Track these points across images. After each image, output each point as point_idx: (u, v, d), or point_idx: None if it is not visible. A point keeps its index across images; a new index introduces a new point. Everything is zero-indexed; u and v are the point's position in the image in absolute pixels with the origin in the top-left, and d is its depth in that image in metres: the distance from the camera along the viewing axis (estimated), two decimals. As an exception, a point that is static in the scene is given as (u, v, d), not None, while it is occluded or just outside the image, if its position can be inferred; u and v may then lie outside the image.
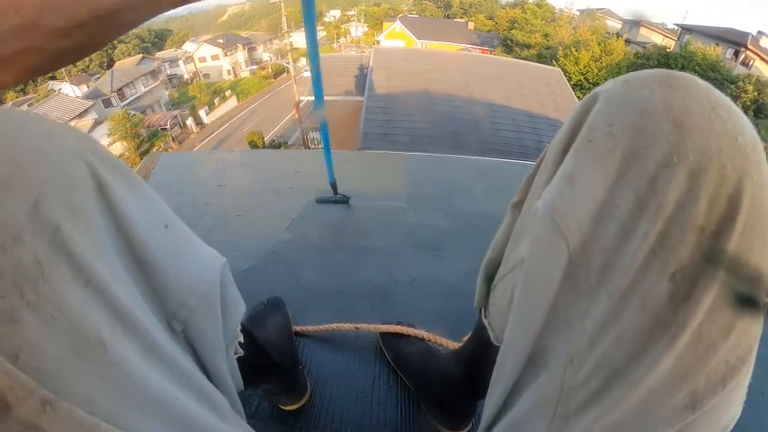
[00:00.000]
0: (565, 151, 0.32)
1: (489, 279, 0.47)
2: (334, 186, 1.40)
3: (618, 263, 0.27)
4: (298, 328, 0.87)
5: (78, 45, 0.30)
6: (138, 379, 0.25)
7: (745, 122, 0.26)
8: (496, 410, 0.39)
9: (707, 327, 0.25)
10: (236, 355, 0.44)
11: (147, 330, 0.27)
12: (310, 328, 0.87)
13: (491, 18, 24.71)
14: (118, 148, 15.79)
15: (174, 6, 0.35)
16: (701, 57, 15.00)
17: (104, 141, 15.36)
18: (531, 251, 0.33)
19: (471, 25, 24.27)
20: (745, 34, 17.65)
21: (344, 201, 1.44)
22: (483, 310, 0.49)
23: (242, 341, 0.45)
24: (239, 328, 0.46)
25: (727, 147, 0.24)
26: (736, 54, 17.41)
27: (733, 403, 0.28)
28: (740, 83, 13.63)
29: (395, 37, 21.10)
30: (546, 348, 0.32)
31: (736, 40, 17.44)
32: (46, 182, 0.22)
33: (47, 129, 0.24)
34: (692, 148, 0.25)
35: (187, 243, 0.35)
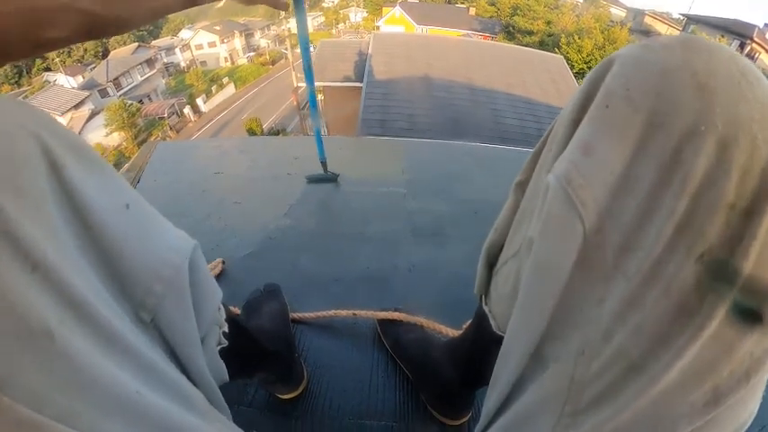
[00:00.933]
0: (577, 120, 0.29)
1: (491, 264, 0.44)
2: (324, 164, 1.41)
3: (638, 244, 0.25)
4: (295, 315, 0.85)
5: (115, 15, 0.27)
6: (93, 372, 0.23)
7: None
8: (499, 404, 0.36)
9: (736, 319, 0.23)
10: (220, 346, 0.42)
11: (105, 320, 0.25)
12: (308, 314, 0.86)
13: (493, 4, 24.36)
14: (115, 138, 15.71)
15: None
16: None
17: (102, 132, 15.28)
18: (542, 229, 0.30)
19: (473, 11, 23.95)
20: (752, 26, 17.44)
21: (333, 179, 1.45)
22: (483, 296, 0.47)
23: (226, 331, 0.43)
24: (224, 316, 0.44)
25: (759, 115, 0.22)
26: (742, 46, 17.21)
27: (754, 397, 0.26)
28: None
29: (395, 22, 20.84)
30: (555, 338, 0.30)
31: (741, 32, 17.23)
32: None
33: None
34: (721, 115, 0.22)
35: (151, 224, 0.32)
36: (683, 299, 0.24)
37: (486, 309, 0.46)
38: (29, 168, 0.22)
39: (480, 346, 0.52)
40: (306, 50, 1.14)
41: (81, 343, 0.23)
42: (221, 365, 0.42)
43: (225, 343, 0.43)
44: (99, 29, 0.27)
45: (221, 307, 0.45)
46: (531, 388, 0.32)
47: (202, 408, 0.33)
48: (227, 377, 0.43)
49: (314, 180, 1.45)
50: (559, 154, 0.30)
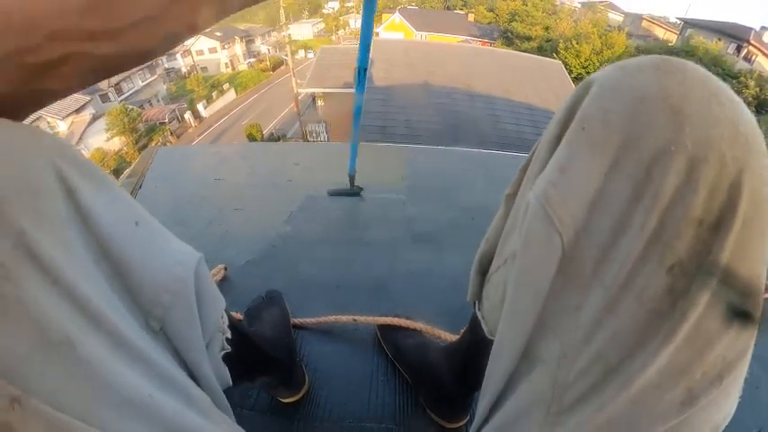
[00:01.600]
0: (558, 139, 0.31)
1: (483, 272, 0.46)
2: (351, 178, 1.39)
3: (613, 256, 0.26)
4: (296, 321, 0.87)
5: (127, 51, 0.26)
6: (109, 377, 0.25)
7: (745, 110, 0.25)
8: (490, 405, 0.38)
9: (705, 322, 0.25)
10: (223, 351, 0.44)
11: (118, 329, 0.27)
12: (309, 320, 0.87)
13: (491, 10, 24.51)
14: (116, 143, 15.73)
15: (242, 8, 0.29)
16: (703, 51, 14.95)
17: (102, 136, 15.30)
18: (523, 244, 0.32)
19: (471, 17, 24.07)
20: (748, 29, 17.54)
21: (356, 193, 1.42)
22: (477, 303, 0.49)
23: (229, 337, 0.45)
24: (226, 323, 0.46)
25: (728, 135, 0.23)
26: (739, 49, 17.30)
27: (728, 399, 0.27)
28: (742, 78, 13.60)
29: (394, 29, 20.94)
30: (539, 343, 0.32)
31: (738, 35, 17.33)
32: (9, 188, 0.22)
33: (12, 135, 0.24)
34: (691, 135, 0.23)
35: (159, 240, 0.35)
36: (655, 306, 0.25)
37: (479, 315, 0.47)
38: (47, 194, 0.25)
39: (475, 350, 0.53)
40: (365, 50, 0.96)
41: (98, 350, 0.25)
42: (225, 370, 0.44)
43: (228, 349, 0.44)
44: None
45: (224, 314, 0.47)
46: (519, 389, 0.34)
47: (208, 410, 0.35)
48: (230, 381, 0.44)
49: (336, 194, 1.42)
50: (541, 171, 0.31)
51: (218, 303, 0.43)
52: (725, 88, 0.25)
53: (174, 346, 0.34)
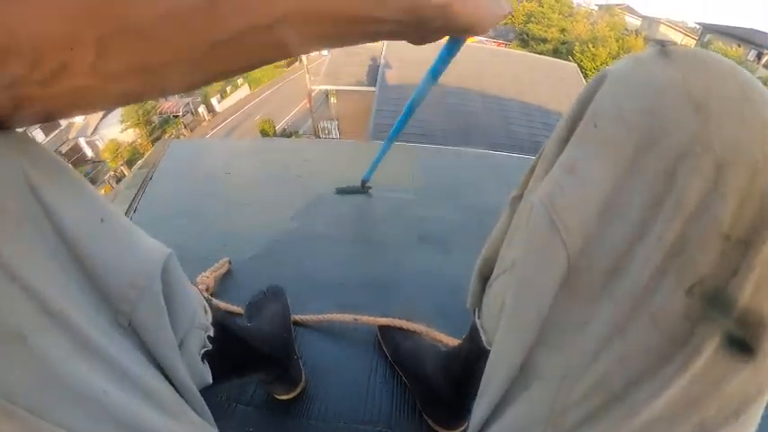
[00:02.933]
0: (566, 139, 0.28)
1: (484, 279, 0.44)
2: (363, 183, 1.37)
3: (626, 269, 0.24)
4: (297, 318, 0.86)
5: (140, 90, 0.24)
6: (62, 372, 0.25)
7: None
8: (485, 418, 0.36)
9: (725, 352, 0.22)
10: (204, 349, 0.43)
11: (78, 325, 0.27)
12: (309, 317, 0.86)
13: (507, 11, 24.26)
14: (130, 134, 15.93)
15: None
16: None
17: (117, 128, 15.49)
18: (524, 253, 0.30)
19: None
20: (769, 35, 17.19)
21: (364, 191, 1.41)
22: (477, 311, 0.47)
23: (212, 335, 0.45)
24: (210, 320, 0.45)
25: (760, 137, 0.20)
26: (759, 56, 16.96)
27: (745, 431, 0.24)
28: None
29: (409, 28, 20.83)
30: (539, 359, 0.29)
31: (758, 42, 16.98)
32: None
33: None
34: (719, 136, 0.20)
35: (125, 237, 0.34)
36: (671, 329, 0.23)
37: (478, 323, 0.45)
38: (10, 191, 0.24)
39: (474, 359, 0.51)
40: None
41: (53, 346, 0.25)
42: (203, 369, 0.43)
43: (209, 347, 0.44)
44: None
45: (208, 310, 0.47)
46: (514, 406, 0.32)
47: (174, 409, 0.35)
48: (209, 380, 0.44)
49: (342, 192, 1.41)
50: (547, 173, 0.29)
51: (191, 300, 0.43)
52: (756, 83, 0.22)
53: (144, 343, 0.34)
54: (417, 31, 0.28)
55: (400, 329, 0.81)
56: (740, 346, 0.22)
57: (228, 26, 0.21)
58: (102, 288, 0.30)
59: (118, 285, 0.31)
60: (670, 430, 0.24)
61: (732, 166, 0.20)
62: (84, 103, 0.24)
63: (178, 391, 0.37)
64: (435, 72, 0.68)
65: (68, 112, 0.25)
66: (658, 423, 0.24)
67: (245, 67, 0.25)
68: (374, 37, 0.27)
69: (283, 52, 0.25)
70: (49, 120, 0.25)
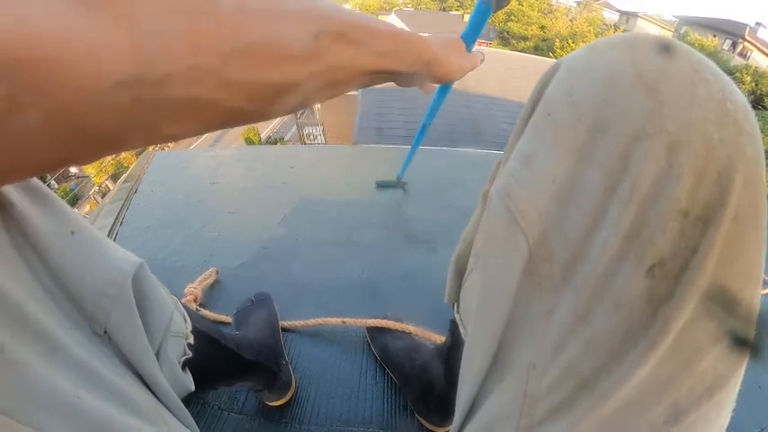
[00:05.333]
0: (522, 130, 0.28)
1: (460, 273, 0.44)
2: (398, 179, 1.50)
3: (585, 256, 0.23)
4: (285, 324, 0.86)
5: (264, 110, 0.25)
6: (37, 378, 0.26)
7: (734, 87, 0.21)
8: (465, 413, 0.36)
9: (692, 330, 0.22)
10: (184, 357, 0.44)
11: (52, 334, 0.28)
12: (297, 323, 0.87)
13: (487, 11, 24.47)
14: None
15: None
16: (699, 47, 14.98)
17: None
18: (486, 244, 0.30)
19: (467, 18, 24.11)
20: (743, 25, 17.60)
21: (402, 185, 1.53)
22: (455, 305, 0.47)
23: (191, 342, 0.46)
24: (189, 328, 0.46)
25: (714, 115, 0.20)
26: (734, 45, 17.37)
27: (721, 414, 0.24)
28: (738, 74, 13.64)
29: (391, 31, 20.89)
30: (510, 351, 0.29)
31: (733, 32, 17.40)
32: None
33: None
34: (671, 116, 0.20)
35: (96, 248, 0.35)
36: (633, 313, 0.22)
37: (457, 317, 0.46)
38: None
39: (456, 353, 0.52)
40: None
41: (28, 353, 0.26)
42: (184, 376, 0.44)
43: (189, 354, 0.45)
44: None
45: (187, 318, 0.47)
46: (490, 400, 0.32)
47: (151, 415, 0.35)
48: (191, 387, 0.44)
49: (382, 186, 1.53)
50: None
51: (166, 307, 0.43)
52: (708, 63, 0.22)
53: (120, 350, 0.35)
54: (408, 80, 0.40)
55: (388, 330, 0.82)
56: (743, 343, 0.22)
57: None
58: (75, 298, 0.32)
59: (90, 294, 0.32)
60: (644, 412, 0.24)
61: (686, 145, 0.20)
62: (201, 118, 0.22)
63: (158, 398, 0.37)
64: (434, 109, 0.92)
65: (188, 126, 0.22)
66: (631, 406, 0.23)
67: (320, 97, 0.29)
68: (375, 83, 0.35)
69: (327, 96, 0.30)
70: (168, 136, 0.22)
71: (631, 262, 0.22)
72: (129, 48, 0.17)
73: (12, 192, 0.27)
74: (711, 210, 0.20)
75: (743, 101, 0.21)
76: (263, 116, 0.26)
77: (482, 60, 0.57)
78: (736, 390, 0.24)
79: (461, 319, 0.45)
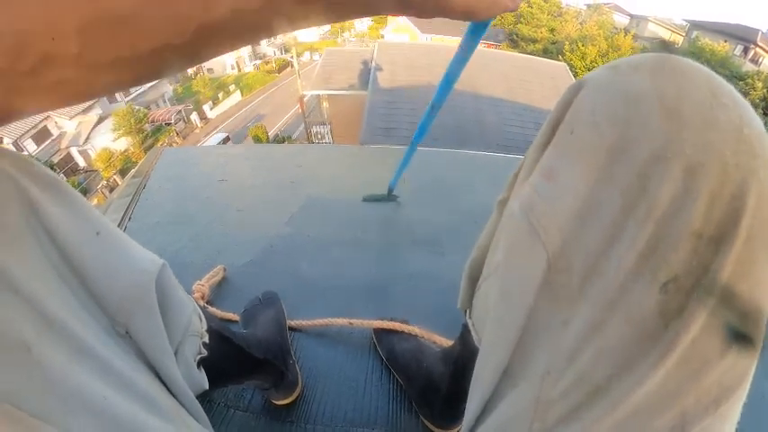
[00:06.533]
0: (546, 145, 0.29)
1: (473, 280, 0.45)
2: (390, 191, 1.37)
3: (602, 270, 0.24)
4: (292, 323, 0.87)
5: (129, 79, 0.23)
6: (64, 378, 0.26)
7: (752, 113, 0.22)
8: (475, 417, 0.37)
9: (701, 344, 0.23)
10: (200, 356, 0.44)
11: (77, 334, 0.28)
12: (304, 322, 0.87)
13: (497, 12, 24.39)
14: (123, 143, 15.84)
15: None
16: (710, 53, 14.86)
17: (109, 136, 15.40)
18: (506, 255, 0.31)
19: None
20: (755, 31, 17.41)
21: (391, 200, 1.41)
22: (468, 311, 0.48)
23: (206, 341, 0.46)
24: (204, 327, 0.47)
25: (731, 140, 0.21)
26: (746, 51, 17.20)
27: (725, 425, 0.25)
28: (749, 80, 13.51)
29: (399, 30, 20.94)
30: (524, 358, 0.30)
31: (745, 37, 17.22)
32: None
33: None
34: (690, 140, 0.21)
35: (120, 249, 0.35)
36: (646, 326, 0.23)
37: (469, 323, 0.46)
38: (11, 208, 0.26)
39: (466, 358, 0.52)
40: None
41: (54, 354, 0.26)
42: (199, 375, 0.44)
43: (204, 353, 0.45)
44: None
45: (202, 317, 0.48)
46: (502, 404, 0.33)
47: (171, 414, 0.36)
48: (206, 386, 0.45)
49: (370, 200, 1.41)
50: (528, 178, 0.30)
51: (185, 308, 0.44)
52: (728, 88, 0.23)
53: (141, 350, 0.35)
54: (410, 9, 0.26)
55: (395, 332, 0.82)
56: (740, 337, 0.22)
57: (216, 10, 0.21)
58: (99, 298, 0.32)
59: (114, 296, 0.32)
60: (652, 420, 0.24)
61: (703, 169, 0.21)
62: (75, 94, 0.23)
63: (175, 397, 0.38)
64: (459, 61, 0.67)
65: (60, 104, 0.23)
66: (640, 414, 0.24)
67: (233, 48, 0.25)
68: (370, 11, 0.26)
69: (273, 32, 0.24)
70: (42, 111, 0.24)
71: (646, 278, 0.23)
72: None
73: (35, 191, 0.27)
74: (724, 231, 0.21)
75: (759, 126, 0.22)
76: (155, 74, 0.24)
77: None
78: (742, 401, 0.25)
79: (474, 325, 0.45)
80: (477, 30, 0.58)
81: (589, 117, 0.25)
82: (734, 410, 0.25)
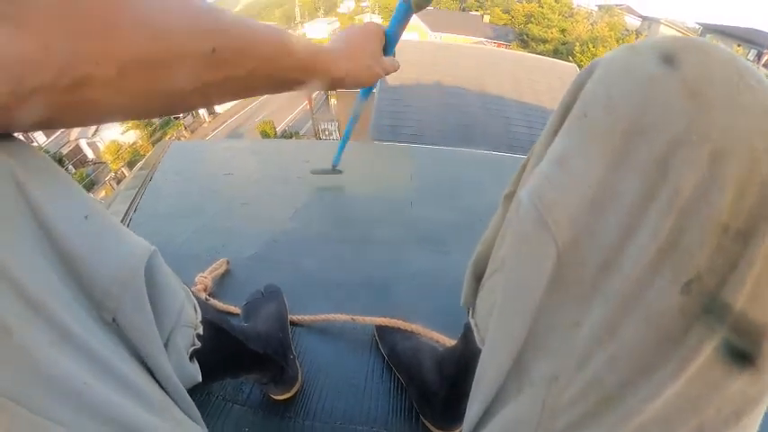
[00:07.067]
0: (557, 131, 0.27)
1: (477, 277, 0.43)
2: (334, 167, 1.43)
3: (618, 264, 0.22)
4: (294, 318, 0.86)
5: (164, 110, 0.30)
6: (44, 363, 0.26)
7: None
8: (477, 419, 0.35)
9: (724, 359, 0.21)
10: (193, 347, 0.43)
11: (61, 319, 0.27)
12: (307, 317, 0.86)
13: (507, 12, 24.32)
14: (131, 136, 15.95)
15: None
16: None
17: (118, 129, 15.51)
18: (513, 248, 0.29)
19: (487, 18, 23.94)
20: (769, 35, 17.19)
21: (338, 172, 1.46)
22: (471, 309, 0.46)
23: (200, 333, 0.45)
24: (199, 318, 0.45)
25: (759, 125, 0.19)
26: (759, 56, 16.97)
27: None
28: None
29: (409, 29, 20.88)
30: (529, 361, 0.28)
31: (759, 42, 17.00)
32: None
33: None
34: (715, 123, 0.19)
35: (110, 233, 0.34)
36: (665, 328, 0.21)
37: (472, 322, 0.45)
38: None
39: (468, 357, 0.51)
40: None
41: (36, 338, 0.26)
42: (192, 367, 0.43)
43: (198, 345, 0.44)
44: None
45: (197, 308, 0.46)
46: (506, 408, 0.31)
47: (158, 405, 0.35)
48: (199, 378, 0.44)
49: (318, 172, 1.47)
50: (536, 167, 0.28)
51: (177, 296, 0.43)
52: (754, 70, 0.21)
53: (128, 339, 0.34)
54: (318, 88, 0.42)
55: (397, 330, 0.81)
56: (739, 354, 0.21)
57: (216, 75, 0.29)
58: (85, 284, 0.31)
59: (101, 281, 0.31)
60: None
61: (730, 155, 0.19)
62: (98, 113, 0.26)
63: (164, 389, 0.37)
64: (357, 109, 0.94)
65: (91, 120, 0.27)
66: (655, 425, 0.23)
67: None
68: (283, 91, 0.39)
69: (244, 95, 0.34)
70: (56, 126, 0.27)
71: (666, 276, 0.21)
72: (42, 59, 0.21)
73: (26, 171, 0.27)
74: (753, 224, 0.19)
75: None
76: (165, 113, 0.30)
77: (397, 68, 0.58)
78: (761, 415, 0.23)
79: (476, 324, 0.44)
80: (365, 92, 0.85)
81: (604, 99, 0.23)
82: (755, 421, 0.23)
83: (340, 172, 1.46)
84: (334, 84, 0.44)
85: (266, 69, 0.33)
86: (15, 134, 0.27)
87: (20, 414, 0.24)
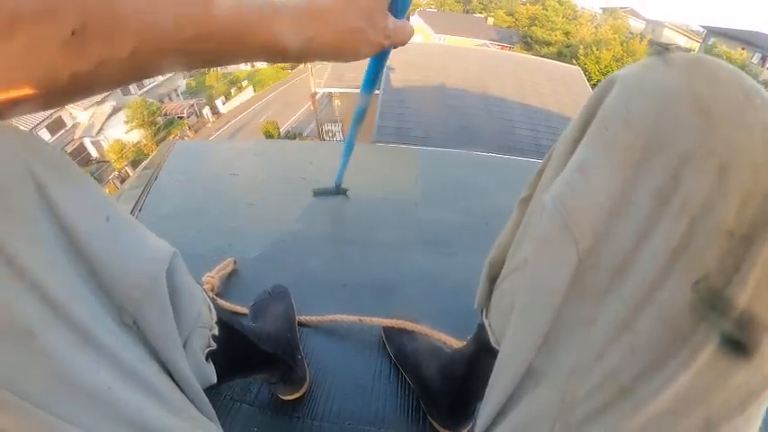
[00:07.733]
0: (577, 140, 0.29)
1: (493, 278, 0.44)
2: (337, 186, 1.35)
3: (633, 267, 0.25)
4: (301, 318, 0.87)
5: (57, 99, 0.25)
6: (67, 367, 0.26)
7: None
8: (492, 417, 0.36)
9: (723, 351, 0.23)
10: (209, 349, 0.44)
11: (83, 322, 0.27)
12: (314, 318, 0.87)
13: (511, 14, 24.34)
14: (135, 135, 16.00)
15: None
16: (727, 60, 14.67)
17: (122, 128, 15.57)
18: (536, 250, 0.31)
19: (491, 21, 23.98)
20: (773, 38, 17.14)
21: (343, 192, 1.38)
22: (484, 310, 0.47)
23: (216, 334, 0.45)
24: (214, 319, 0.46)
25: (761, 139, 0.21)
26: (764, 59, 16.93)
27: (750, 427, 0.25)
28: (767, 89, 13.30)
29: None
30: (548, 356, 0.30)
31: (763, 45, 16.95)
32: None
33: None
34: (722, 139, 0.22)
35: (131, 236, 0.34)
36: (676, 324, 0.23)
37: (486, 322, 0.46)
38: (17, 189, 0.25)
39: (480, 358, 0.52)
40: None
41: (60, 342, 0.26)
42: (207, 368, 0.43)
43: (213, 346, 0.44)
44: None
45: (212, 309, 0.47)
46: (523, 403, 0.33)
47: (177, 406, 0.35)
48: (214, 379, 0.44)
49: (320, 193, 1.38)
50: (557, 174, 0.30)
51: (196, 299, 0.43)
52: (760, 90, 0.23)
53: (148, 341, 0.34)
54: (280, 58, 0.31)
55: (405, 331, 0.81)
56: (736, 346, 0.23)
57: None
58: (106, 287, 0.31)
59: (122, 285, 0.31)
60: (676, 423, 0.24)
61: (735, 168, 0.22)
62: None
63: (182, 389, 0.37)
64: (368, 85, 0.75)
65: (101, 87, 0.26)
66: (665, 416, 0.24)
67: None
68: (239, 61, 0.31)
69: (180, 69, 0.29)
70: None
71: (678, 275, 0.23)
72: None
73: (43, 171, 0.26)
74: (756, 229, 0.22)
75: None
76: (65, 101, 0.26)
77: (409, 36, 0.38)
78: (766, 405, 0.25)
79: (490, 325, 0.45)
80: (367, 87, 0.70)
81: (622, 113, 0.25)
82: (760, 412, 0.25)
83: (345, 192, 1.36)
84: (286, 55, 0.31)
85: (160, 44, 0.25)
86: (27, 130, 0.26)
87: (42, 418, 0.24)
